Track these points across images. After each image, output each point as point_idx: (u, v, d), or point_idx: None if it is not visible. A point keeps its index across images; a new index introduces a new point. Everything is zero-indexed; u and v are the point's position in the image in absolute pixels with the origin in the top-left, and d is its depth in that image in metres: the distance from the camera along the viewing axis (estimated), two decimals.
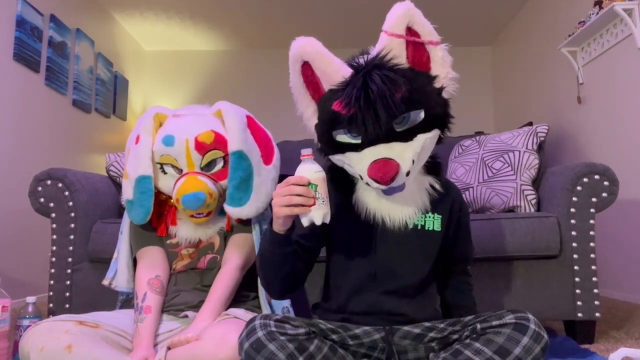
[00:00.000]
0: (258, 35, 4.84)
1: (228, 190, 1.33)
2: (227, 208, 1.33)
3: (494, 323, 0.97)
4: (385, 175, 0.99)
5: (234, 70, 5.14)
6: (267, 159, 1.42)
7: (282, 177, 1.46)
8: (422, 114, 1.01)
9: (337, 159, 1.09)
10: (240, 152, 1.33)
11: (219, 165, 1.35)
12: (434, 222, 1.14)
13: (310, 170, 0.98)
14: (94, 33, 3.94)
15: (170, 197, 1.38)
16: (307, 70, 1.08)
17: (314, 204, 0.97)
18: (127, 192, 1.36)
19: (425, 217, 1.14)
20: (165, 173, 1.35)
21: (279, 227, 1.02)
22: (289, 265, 1.09)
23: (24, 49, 2.96)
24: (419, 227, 1.13)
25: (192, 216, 1.33)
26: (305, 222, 0.98)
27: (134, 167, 1.33)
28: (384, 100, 0.96)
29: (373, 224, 1.12)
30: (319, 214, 0.97)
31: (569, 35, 3.13)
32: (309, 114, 1.13)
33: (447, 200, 1.16)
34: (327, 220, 0.99)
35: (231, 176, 1.32)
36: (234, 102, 1.46)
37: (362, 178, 1.05)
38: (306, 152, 1.00)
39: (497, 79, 4.97)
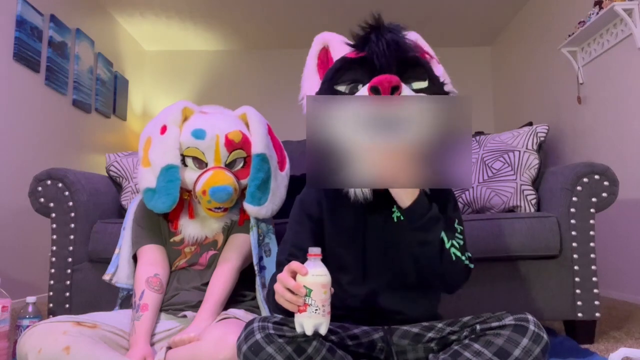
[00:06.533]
0: (258, 35, 4.84)
1: (249, 189, 1.37)
2: (247, 206, 1.37)
3: (494, 324, 0.97)
4: (387, 80, 0.98)
5: (233, 70, 5.14)
6: (281, 166, 1.49)
7: (291, 178, 1.52)
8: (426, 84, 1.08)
9: None
10: (263, 155, 1.38)
11: (239, 166, 1.39)
12: None
13: (309, 272, 0.90)
14: (94, 33, 3.94)
15: (185, 191, 1.38)
16: (323, 56, 1.20)
17: (304, 310, 0.88)
18: (149, 180, 1.35)
19: None
20: (185, 166, 1.36)
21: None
22: None
23: (24, 49, 2.96)
24: (402, 218, 1.13)
25: (211, 210, 1.34)
26: (297, 327, 0.90)
27: (160, 156, 1.34)
28: (395, 43, 1.05)
29: (360, 222, 1.13)
30: (309, 322, 0.88)
31: (569, 35, 3.13)
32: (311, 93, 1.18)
33: None
34: (322, 332, 0.90)
35: (253, 176, 1.37)
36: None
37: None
38: (313, 251, 0.93)
39: (497, 79, 4.97)
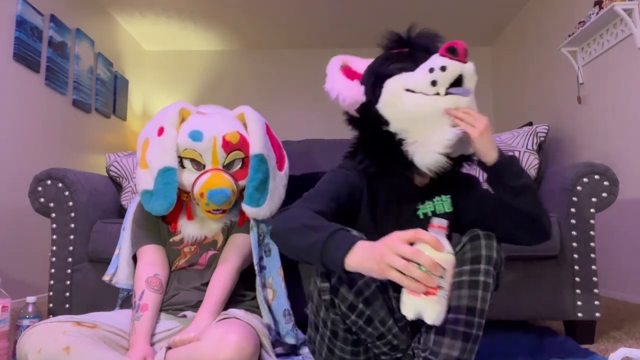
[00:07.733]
0: (258, 35, 4.84)
1: (247, 190, 1.36)
2: (245, 207, 1.36)
3: None
4: (461, 43, 0.99)
5: (234, 70, 5.14)
6: (280, 166, 1.48)
7: (290, 178, 1.50)
8: None
9: (391, 84, 1.06)
10: (261, 156, 1.37)
11: (237, 166, 1.38)
12: (444, 204, 1.13)
13: (444, 248, 0.72)
14: (94, 33, 3.94)
15: (184, 192, 1.38)
16: (345, 70, 1.17)
17: (433, 294, 0.70)
18: (147, 183, 1.35)
19: (434, 201, 1.13)
20: (183, 167, 1.35)
21: (358, 269, 0.76)
22: None
23: (24, 49, 2.96)
24: (429, 214, 1.12)
25: (210, 212, 1.34)
26: (408, 312, 0.71)
27: (158, 158, 1.33)
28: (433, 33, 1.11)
29: (393, 213, 1.12)
30: (434, 309, 0.71)
31: (569, 35, 3.13)
32: (352, 92, 1.13)
33: (451, 177, 1.13)
34: (438, 323, 0.73)
35: (252, 177, 1.36)
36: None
37: (431, 71, 1.02)
38: (441, 222, 0.74)
39: (497, 79, 4.96)
